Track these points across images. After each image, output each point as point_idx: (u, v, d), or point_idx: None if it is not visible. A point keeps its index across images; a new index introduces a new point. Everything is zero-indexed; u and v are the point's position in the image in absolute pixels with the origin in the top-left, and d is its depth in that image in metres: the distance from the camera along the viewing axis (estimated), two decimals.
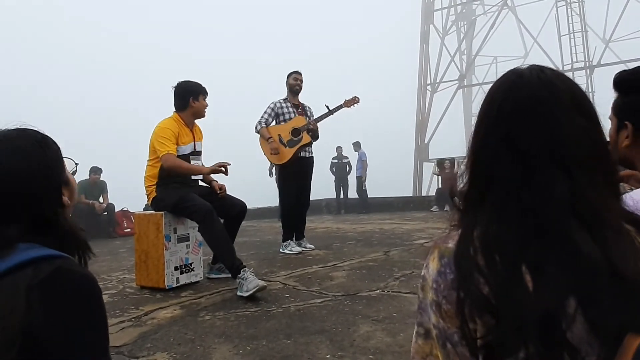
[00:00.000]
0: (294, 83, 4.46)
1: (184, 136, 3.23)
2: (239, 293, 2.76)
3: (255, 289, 2.68)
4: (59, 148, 0.86)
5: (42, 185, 0.77)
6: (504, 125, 0.63)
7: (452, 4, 19.14)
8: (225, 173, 3.20)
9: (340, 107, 4.46)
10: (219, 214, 3.09)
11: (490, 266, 0.58)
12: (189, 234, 3.27)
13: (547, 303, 0.53)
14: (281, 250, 4.42)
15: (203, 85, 3.33)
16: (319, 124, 4.42)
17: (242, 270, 2.80)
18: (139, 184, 3.32)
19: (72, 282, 0.68)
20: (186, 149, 3.24)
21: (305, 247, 4.47)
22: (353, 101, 4.50)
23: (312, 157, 4.54)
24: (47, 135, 0.85)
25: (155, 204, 3.20)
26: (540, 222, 0.58)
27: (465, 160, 0.69)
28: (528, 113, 0.62)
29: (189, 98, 3.25)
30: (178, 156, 3.16)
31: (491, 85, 0.69)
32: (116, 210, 7.93)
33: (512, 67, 0.70)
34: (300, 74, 4.50)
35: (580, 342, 0.52)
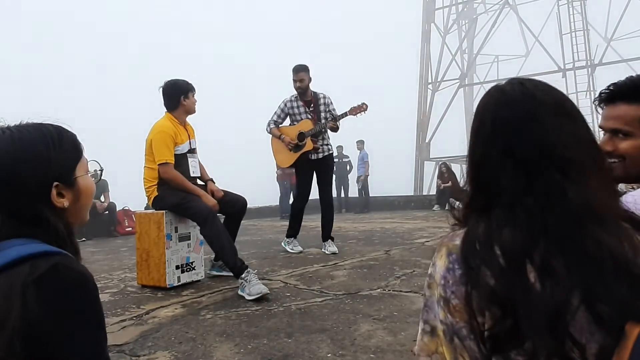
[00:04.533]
0: (294, 85, 4.19)
1: (179, 135, 3.24)
2: (240, 292, 2.77)
3: (258, 295, 2.67)
4: (73, 149, 0.81)
5: (23, 180, 0.73)
6: (499, 139, 0.68)
7: (454, 2, 19.09)
8: (215, 204, 3.12)
9: (345, 114, 4.11)
10: (219, 211, 3.10)
11: (496, 263, 0.61)
12: (190, 232, 3.28)
13: (556, 299, 0.57)
14: (283, 244, 4.38)
15: (190, 83, 3.32)
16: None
17: (246, 271, 2.80)
18: (140, 183, 3.32)
19: (69, 279, 0.66)
20: (184, 147, 3.24)
21: (326, 251, 4.20)
22: (360, 108, 4.09)
23: (326, 156, 4.25)
24: (65, 134, 0.80)
25: (156, 203, 3.20)
26: (544, 224, 0.61)
27: (467, 171, 0.74)
28: (519, 126, 0.67)
29: (180, 97, 3.25)
30: (176, 155, 3.18)
31: (477, 104, 0.75)
32: (117, 209, 7.93)
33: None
34: (296, 72, 4.12)
35: (582, 331, 0.56)
